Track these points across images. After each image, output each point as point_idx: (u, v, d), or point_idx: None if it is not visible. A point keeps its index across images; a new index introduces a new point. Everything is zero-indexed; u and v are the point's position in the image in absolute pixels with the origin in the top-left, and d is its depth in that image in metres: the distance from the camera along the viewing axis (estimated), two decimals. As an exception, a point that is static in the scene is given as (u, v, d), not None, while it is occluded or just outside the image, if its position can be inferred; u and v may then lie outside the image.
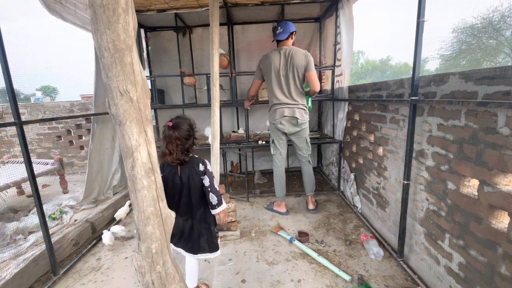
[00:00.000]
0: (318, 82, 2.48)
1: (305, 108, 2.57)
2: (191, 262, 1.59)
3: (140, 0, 2.76)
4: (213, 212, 1.51)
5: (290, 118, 2.52)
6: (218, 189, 1.51)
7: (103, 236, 2.20)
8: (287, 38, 2.46)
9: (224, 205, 1.53)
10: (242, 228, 2.50)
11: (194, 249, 1.51)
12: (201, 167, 1.44)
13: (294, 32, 2.50)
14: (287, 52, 2.44)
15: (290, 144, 2.80)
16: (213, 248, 1.54)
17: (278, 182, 2.74)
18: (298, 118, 2.50)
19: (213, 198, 1.48)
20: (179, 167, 1.42)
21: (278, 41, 2.51)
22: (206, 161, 1.49)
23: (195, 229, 1.49)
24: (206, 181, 1.46)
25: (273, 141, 2.71)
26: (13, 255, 2.01)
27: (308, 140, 2.68)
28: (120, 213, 2.62)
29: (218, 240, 1.59)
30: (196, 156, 1.48)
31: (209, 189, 1.46)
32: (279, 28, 2.45)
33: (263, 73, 2.60)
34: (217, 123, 2.37)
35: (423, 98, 1.64)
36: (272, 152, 2.76)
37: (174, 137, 1.34)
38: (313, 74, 2.45)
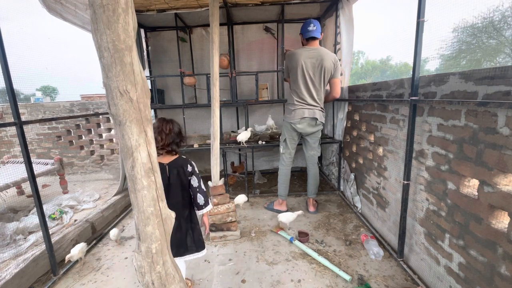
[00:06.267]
0: (340, 89, 2.53)
1: (323, 110, 2.57)
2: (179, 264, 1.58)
3: (140, 0, 2.76)
4: (199, 212, 1.55)
5: (310, 119, 2.51)
6: (205, 189, 1.55)
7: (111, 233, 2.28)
8: (318, 38, 2.42)
9: (210, 206, 1.56)
10: (242, 228, 2.50)
11: (180, 252, 1.50)
12: (189, 168, 1.49)
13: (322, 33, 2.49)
14: (316, 52, 2.38)
15: (299, 143, 2.79)
16: (200, 245, 1.55)
17: (283, 180, 2.74)
18: (317, 119, 2.51)
19: (200, 199, 1.51)
20: (167, 166, 1.43)
21: (308, 39, 2.42)
22: (193, 163, 1.54)
23: (183, 228, 1.50)
24: (195, 182, 1.50)
25: (284, 140, 2.69)
26: (13, 255, 2.01)
27: (320, 141, 2.68)
28: (74, 252, 1.95)
29: (203, 237, 1.61)
30: (184, 157, 1.53)
31: (197, 189, 1.50)
32: (312, 25, 2.35)
33: (289, 70, 2.54)
34: (217, 123, 2.37)
35: (423, 98, 1.64)
36: (281, 151, 2.74)
37: (168, 128, 1.43)
38: (338, 81, 2.49)
